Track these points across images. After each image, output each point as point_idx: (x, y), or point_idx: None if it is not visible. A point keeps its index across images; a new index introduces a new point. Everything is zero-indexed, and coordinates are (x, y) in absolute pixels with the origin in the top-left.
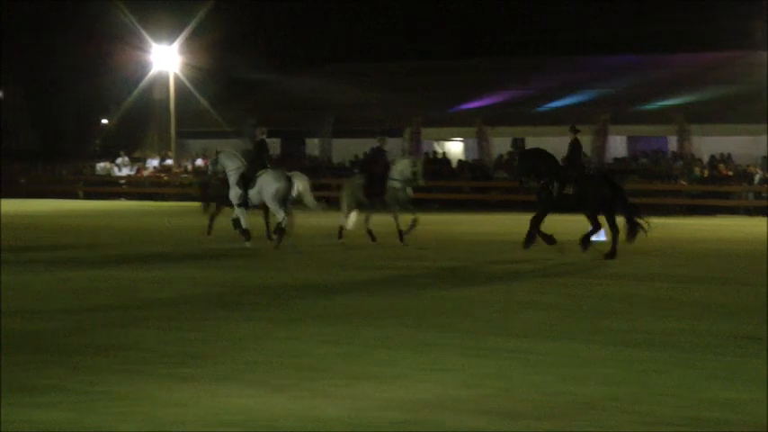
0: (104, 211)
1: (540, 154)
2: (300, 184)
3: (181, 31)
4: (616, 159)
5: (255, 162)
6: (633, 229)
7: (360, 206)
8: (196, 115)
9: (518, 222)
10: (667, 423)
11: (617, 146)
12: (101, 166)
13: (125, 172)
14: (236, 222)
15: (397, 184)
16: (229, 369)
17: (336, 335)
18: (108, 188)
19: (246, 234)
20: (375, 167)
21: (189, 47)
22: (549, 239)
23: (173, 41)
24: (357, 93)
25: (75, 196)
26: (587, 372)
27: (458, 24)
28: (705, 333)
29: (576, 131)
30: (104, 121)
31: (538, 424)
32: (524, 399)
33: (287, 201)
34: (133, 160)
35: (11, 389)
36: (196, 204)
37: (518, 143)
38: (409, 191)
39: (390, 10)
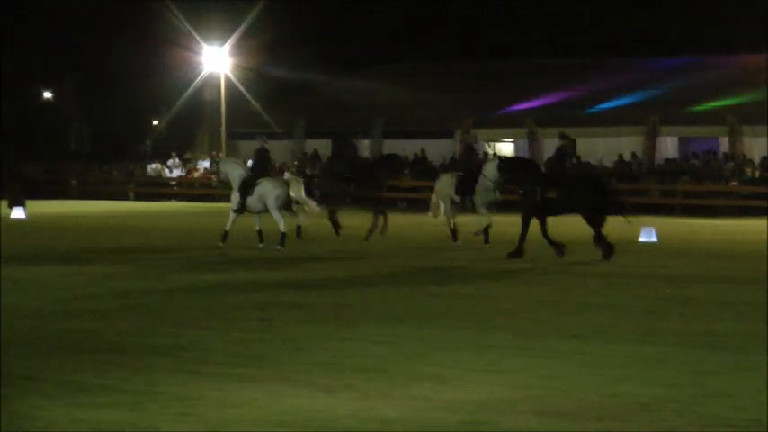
0: (155, 213)
1: (520, 162)
2: (296, 190)
3: (232, 32)
4: (667, 160)
5: (257, 169)
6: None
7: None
8: (246, 116)
9: (573, 223)
10: (724, 424)
11: (668, 147)
12: (152, 167)
13: (176, 173)
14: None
15: (490, 185)
16: (286, 370)
17: (392, 336)
18: (158, 189)
19: (225, 236)
20: (468, 166)
21: (240, 48)
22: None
23: (224, 43)
24: (407, 94)
25: (125, 197)
26: (642, 373)
27: (509, 26)
28: (762, 335)
29: (564, 138)
30: (155, 122)
31: (594, 425)
32: (580, 400)
33: (290, 206)
34: (184, 162)
35: (69, 389)
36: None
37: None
38: (498, 193)
39: (440, 11)
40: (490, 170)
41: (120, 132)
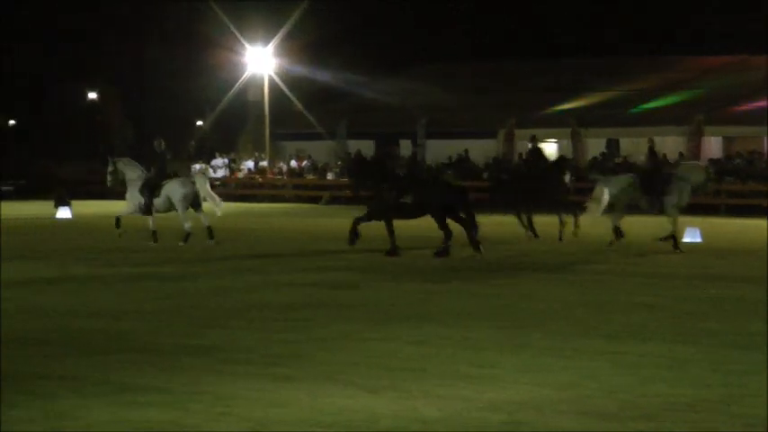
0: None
1: (372, 162)
2: (202, 186)
3: (275, 33)
4: (711, 160)
5: (160, 172)
6: (469, 233)
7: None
8: (290, 117)
9: (623, 222)
10: (759, 425)
11: (712, 147)
12: (196, 167)
13: (220, 174)
14: (118, 221)
15: (686, 186)
16: (326, 369)
17: (427, 335)
18: None
19: (155, 236)
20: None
21: (283, 49)
22: (353, 238)
23: (267, 44)
24: (448, 94)
25: None
26: (680, 373)
27: (552, 25)
28: None
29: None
30: (199, 122)
31: (633, 424)
32: (618, 400)
33: (198, 204)
34: (229, 162)
35: (110, 389)
36: (287, 206)
37: (612, 144)
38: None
39: (481, 10)
40: (688, 173)
41: (164, 133)
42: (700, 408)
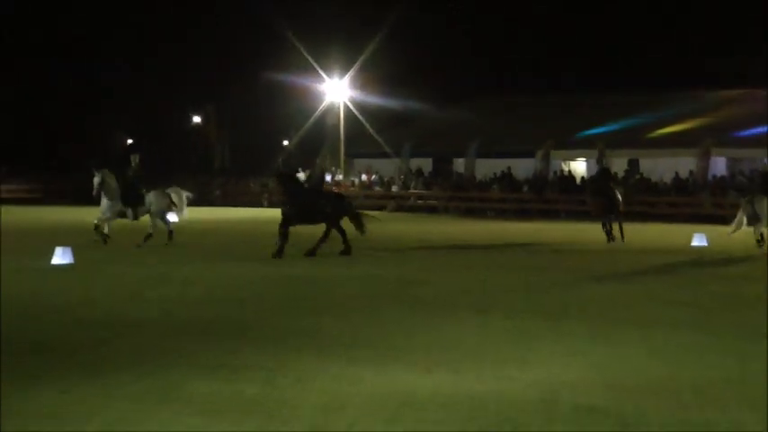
0: None
1: (290, 178)
2: (177, 197)
3: (350, 67)
4: (717, 178)
5: (138, 183)
6: (358, 225)
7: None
8: (362, 138)
9: (640, 229)
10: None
11: (718, 166)
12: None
13: None
14: (97, 227)
15: None
16: (395, 352)
17: (482, 325)
18: None
19: (105, 238)
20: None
21: (357, 81)
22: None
23: (343, 76)
24: (497, 121)
25: (260, 205)
26: (701, 358)
27: (584, 65)
28: None
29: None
30: (285, 142)
31: (656, 402)
32: (644, 380)
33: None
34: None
35: (210, 365)
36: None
37: (633, 163)
38: None
39: (523, 52)
40: None
41: (256, 151)
42: (714, 387)
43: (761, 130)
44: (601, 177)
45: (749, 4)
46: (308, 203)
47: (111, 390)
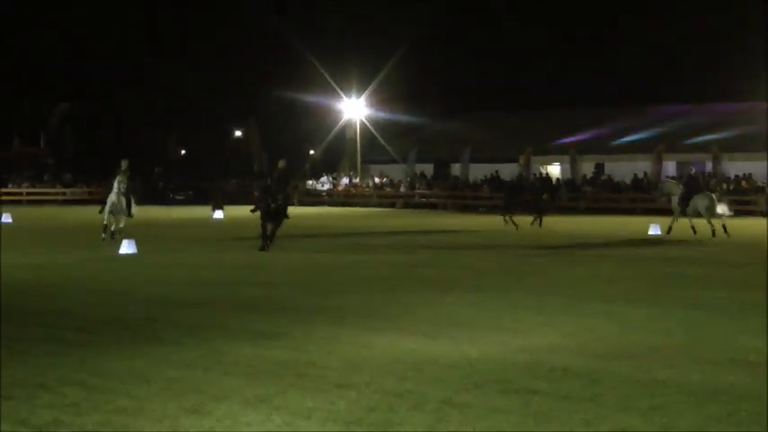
0: (312, 215)
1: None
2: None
3: (366, 88)
4: (667, 177)
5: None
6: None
7: None
8: (375, 147)
9: (606, 221)
10: (709, 362)
11: (669, 169)
12: (309, 183)
13: (326, 187)
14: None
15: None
16: (403, 324)
17: (477, 300)
18: (314, 198)
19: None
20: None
21: (372, 99)
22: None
23: (360, 96)
24: (486, 132)
25: (291, 204)
26: (655, 326)
27: (557, 85)
28: (739, 300)
29: (283, 161)
30: (312, 151)
31: (619, 363)
32: (609, 345)
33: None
34: (333, 179)
35: (251, 335)
36: (373, 209)
37: (599, 166)
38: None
39: (507, 74)
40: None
41: (288, 158)
42: (667, 350)
43: (704, 138)
44: (540, 183)
45: (697, 35)
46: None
47: (167, 357)
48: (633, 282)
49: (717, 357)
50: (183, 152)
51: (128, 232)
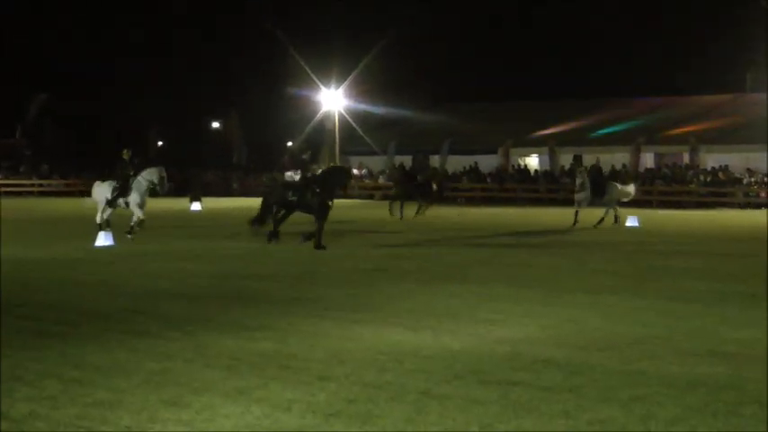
0: None
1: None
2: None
3: (345, 79)
4: (646, 169)
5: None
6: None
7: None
8: (354, 139)
9: (584, 213)
10: (691, 354)
11: (647, 160)
12: (288, 174)
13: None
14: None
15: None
16: (385, 315)
17: (457, 291)
18: None
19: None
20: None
21: (350, 91)
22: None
23: (338, 87)
24: (466, 124)
25: None
26: (636, 318)
27: (537, 76)
28: (718, 291)
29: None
30: (290, 143)
31: (599, 354)
32: (590, 337)
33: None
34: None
35: (236, 327)
36: (352, 201)
37: (577, 158)
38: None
39: (486, 66)
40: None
41: (267, 149)
42: (650, 342)
43: (681, 130)
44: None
45: (675, 27)
46: None
47: (148, 349)
48: (615, 273)
49: (696, 348)
50: (160, 144)
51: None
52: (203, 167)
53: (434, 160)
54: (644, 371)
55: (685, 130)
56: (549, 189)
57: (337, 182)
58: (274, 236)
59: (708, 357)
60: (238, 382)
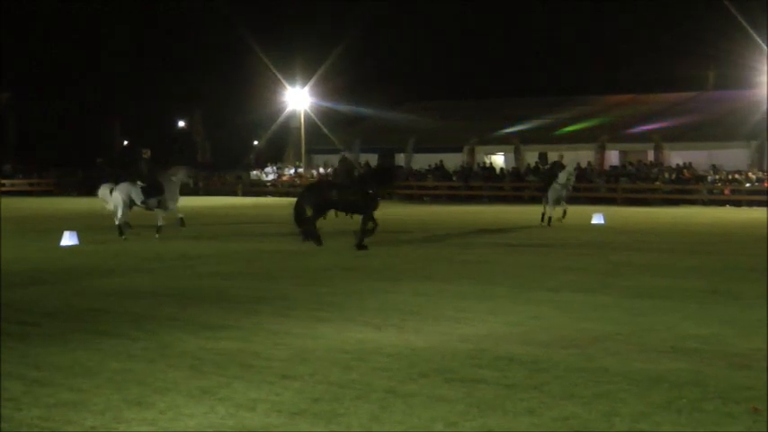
0: (256, 205)
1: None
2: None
3: (309, 78)
4: (611, 167)
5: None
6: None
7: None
8: (319, 137)
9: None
10: (654, 351)
11: (612, 158)
12: (253, 173)
13: (271, 177)
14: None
15: (558, 186)
16: (349, 313)
17: (423, 290)
18: (259, 188)
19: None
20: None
21: (316, 90)
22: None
23: (303, 86)
24: (431, 122)
25: (235, 194)
26: (600, 315)
27: (501, 75)
28: (681, 287)
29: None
30: (255, 142)
31: (563, 351)
32: (554, 334)
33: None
34: (278, 169)
35: (199, 326)
36: None
37: (542, 156)
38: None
39: (453, 66)
40: (564, 176)
41: (231, 148)
42: (613, 339)
43: (645, 128)
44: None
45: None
46: None
47: (111, 349)
48: (579, 270)
49: (659, 345)
50: (125, 142)
51: (69, 224)
52: (168, 166)
53: (399, 158)
54: (607, 367)
55: (649, 128)
56: (515, 187)
57: (386, 181)
58: (315, 236)
59: (670, 353)
60: (202, 382)
